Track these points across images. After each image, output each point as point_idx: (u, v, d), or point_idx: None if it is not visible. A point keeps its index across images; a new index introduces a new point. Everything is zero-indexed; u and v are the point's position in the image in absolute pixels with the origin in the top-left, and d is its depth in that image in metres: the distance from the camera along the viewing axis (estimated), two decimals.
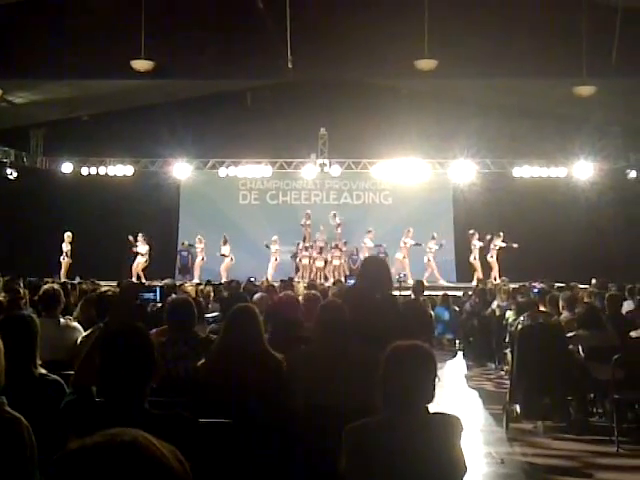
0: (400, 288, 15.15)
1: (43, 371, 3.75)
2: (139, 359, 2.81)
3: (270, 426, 3.89)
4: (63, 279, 17.40)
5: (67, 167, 21.80)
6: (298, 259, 20.94)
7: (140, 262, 19.87)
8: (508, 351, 8.60)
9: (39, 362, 3.76)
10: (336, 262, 20.70)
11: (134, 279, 18.32)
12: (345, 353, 4.29)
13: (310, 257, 20.68)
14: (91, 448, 1.09)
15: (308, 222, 21.07)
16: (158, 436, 1.15)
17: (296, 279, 17.43)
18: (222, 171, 21.87)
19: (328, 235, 21.14)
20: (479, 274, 19.49)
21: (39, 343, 3.79)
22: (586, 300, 8.93)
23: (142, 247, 19.94)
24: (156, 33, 14.01)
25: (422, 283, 10.77)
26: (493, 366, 11.62)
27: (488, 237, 19.79)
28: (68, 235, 19.91)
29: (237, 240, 20.50)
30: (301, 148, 21.16)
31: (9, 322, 3.75)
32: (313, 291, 7.92)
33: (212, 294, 11.59)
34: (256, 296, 7.59)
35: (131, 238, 19.65)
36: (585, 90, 14.64)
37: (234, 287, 11.39)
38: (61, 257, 19.92)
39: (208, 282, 13.76)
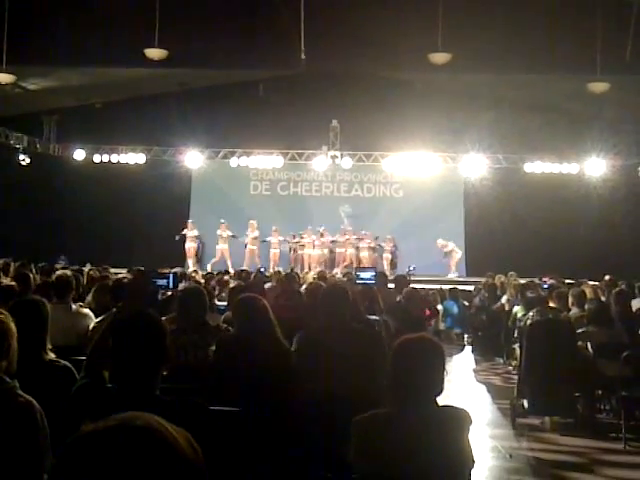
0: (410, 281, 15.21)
1: (53, 356, 3.75)
2: (151, 345, 2.82)
3: (278, 415, 3.91)
4: (193, 267, 18.00)
5: (79, 154, 21.85)
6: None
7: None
8: (516, 346, 8.60)
9: (49, 347, 3.76)
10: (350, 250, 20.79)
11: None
12: (346, 337, 4.31)
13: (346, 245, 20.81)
14: (104, 431, 1.07)
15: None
16: (169, 422, 1.13)
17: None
18: (233, 161, 21.86)
19: (335, 227, 21.15)
20: None
21: (49, 328, 3.79)
22: (590, 296, 8.90)
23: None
24: (170, 22, 14.03)
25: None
26: (501, 361, 11.61)
27: None
28: (192, 223, 20.52)
29: (246, 230, 20.50)
30: (313, 140, 21.12)
31: (20, 307, 3.70)
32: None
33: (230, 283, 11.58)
34: (267, 286, 7.63)
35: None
36: (599, 87, 14.57)
37: (244, 277, 11.42)
38: (186, 244, 20.39)
39: (226, 272, 13.56)
